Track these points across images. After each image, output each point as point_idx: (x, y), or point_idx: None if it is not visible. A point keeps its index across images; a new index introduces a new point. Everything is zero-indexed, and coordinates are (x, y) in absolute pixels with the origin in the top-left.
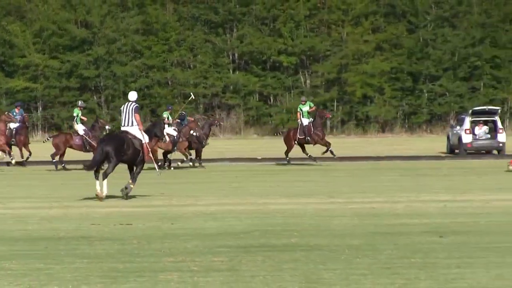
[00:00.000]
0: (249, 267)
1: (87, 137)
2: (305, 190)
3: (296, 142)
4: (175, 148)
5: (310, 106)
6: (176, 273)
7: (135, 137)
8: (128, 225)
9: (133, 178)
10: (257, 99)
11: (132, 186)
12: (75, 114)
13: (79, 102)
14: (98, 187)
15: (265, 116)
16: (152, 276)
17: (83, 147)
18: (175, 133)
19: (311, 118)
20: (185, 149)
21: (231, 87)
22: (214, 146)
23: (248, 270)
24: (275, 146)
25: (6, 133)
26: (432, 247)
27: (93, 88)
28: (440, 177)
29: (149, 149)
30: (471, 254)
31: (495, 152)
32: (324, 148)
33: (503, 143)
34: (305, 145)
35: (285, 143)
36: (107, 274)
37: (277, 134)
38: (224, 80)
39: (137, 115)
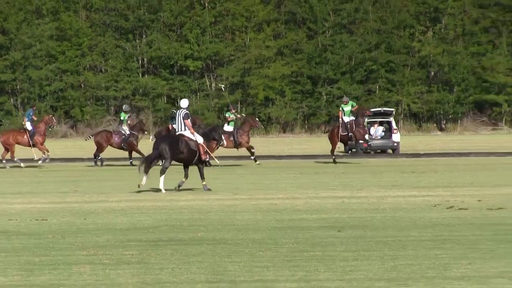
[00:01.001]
0: (158, 260)
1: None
2: (211, 187)
3: (339, 139)
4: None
5: (352, 106)
6: (88, 265)
7: (190, 139)
8: (43, 220)
9: (201, 176)
10: (165, 101)
11: (204, 182)
12: (122, 118)
13: (124, 107)
14: (144, 180)
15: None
16: (66, 268)
17: (122, 146)
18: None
19: (352, 117)
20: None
21: (141, 90)
22: None
23: (157, 263)
24: None
25: (44, 133)
26: (331, 240)
27: (9, 91)
28: (337, 175)
29: (205, 149)
30: (367, 247)
31: (390, 151)
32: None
33: (398, 143)
34: (348, 142)
35: (330, 140)
36: (24, 267)
37: (324, 132)
38: (134, 83)
39: (186, 121)
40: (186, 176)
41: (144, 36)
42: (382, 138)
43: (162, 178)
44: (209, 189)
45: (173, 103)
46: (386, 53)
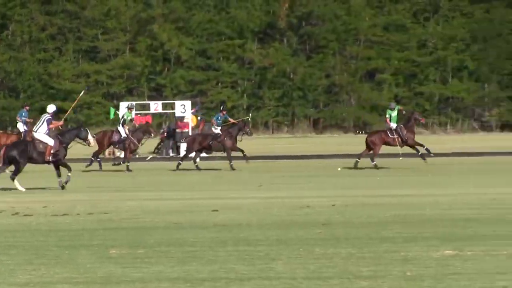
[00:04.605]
0: None
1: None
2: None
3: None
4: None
5: (398, 110)
6: None
7: (41, 141)
8: None
9: (57, 174)
10: None
11: (60, 179)
12: (125, 117)
13: (129, 104)
14: (19, 187)
15: None
16: None
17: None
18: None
19: (399, 123)
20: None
21: None
22: None
23: None
24: None
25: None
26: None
27: None
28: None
29: (53, 150)
30: None
31: None
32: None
33: None
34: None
35: (372, 144)
36: None
37: (359, 132)
38: None
39: (50, 125)
40: (58, 175)
41: None
42: None
43: (15, 181)
44: (63, 185)
45: None
46: None
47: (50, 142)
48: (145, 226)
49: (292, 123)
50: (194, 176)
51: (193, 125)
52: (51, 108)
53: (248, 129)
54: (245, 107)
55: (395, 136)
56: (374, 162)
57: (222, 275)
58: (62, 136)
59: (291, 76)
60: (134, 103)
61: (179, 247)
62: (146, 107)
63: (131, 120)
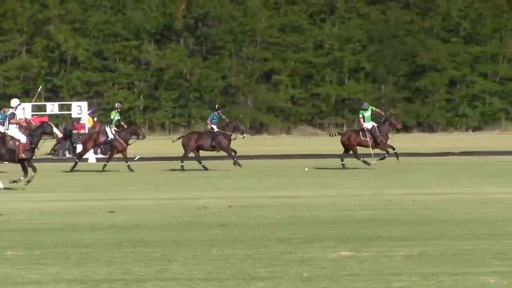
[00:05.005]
0: None
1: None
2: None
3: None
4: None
5: (372, 110)
6: None
7: (12, 137)
8: None
9: (24, 172)
10: None
11: (22, 178)
12: (112, 117)
13: (116, 104)
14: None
15: None
16: None
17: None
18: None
19: (373, 123)
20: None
21: None
22: None
23: None
24: None
25: None
26: None
27: None
28: None
29: (26, 148)
30: None
31: None
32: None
33: None
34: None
35: (346, 146)
36: None
37: (332, 135)
38: None
39: (12, 120)
40: (25, 175)
41: None
42: None
43: None
44: (14, 181)
45: None
46: None
47: (22, 138)
48: (42, 228)
49: (188, 124)
50: (90, 177)
51: (89, 126)
52: (14, 102)
53: (242, 128)
54: (141, 108)
55: (367, 138)
56: (343, 163)
57: (118, 277)
58: (32, 137)
59: (188, 77)
60: (120, 103)
61: (76, 248)
62: (43, 108)
63: (118, 120)
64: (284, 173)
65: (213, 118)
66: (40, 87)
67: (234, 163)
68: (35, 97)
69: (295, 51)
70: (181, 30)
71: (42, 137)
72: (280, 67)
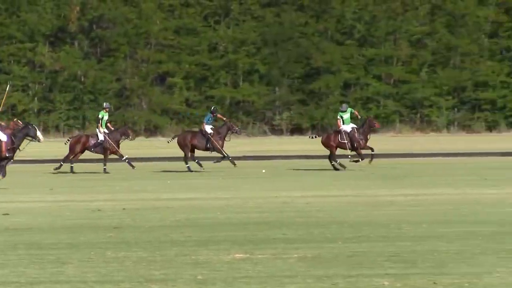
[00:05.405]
0: None
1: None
2: None
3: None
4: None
5: (351, 112)
6: None
7: None
8: None
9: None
10: None
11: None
12: (100, 116)
13: (105, 104)
14: None
15: None
16: None
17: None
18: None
19: (353, 124)
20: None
21: None
22: None
23: None
24: None
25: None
26: None
27: None
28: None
29: (8, 147)
30: None
31: None
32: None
33: None
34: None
35: (326, 147)
36: None
37: (311, 137)
38: None
39: None
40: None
41: None
42: None
43: None
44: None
45: None
46: None
47: (3, 137)
48: None
49: (83, 126)
50: None
51: None
52: None
53: (237, 128)
54: (36, 110)
55: (345, 141)
56: (336, 162)
57: (13, 279)
58: (14, 138)
59: (82, 80)
60: (109, 103)
61: None
62: None
63: (106, 121)
64: (178, 175)
65: (208, 119)
66: (8, 86)
67: (231, 162)
68: (4, 98)
69: (189, 54)
70: (75, 33)
71: (26, 138)
72: (175, 70)
